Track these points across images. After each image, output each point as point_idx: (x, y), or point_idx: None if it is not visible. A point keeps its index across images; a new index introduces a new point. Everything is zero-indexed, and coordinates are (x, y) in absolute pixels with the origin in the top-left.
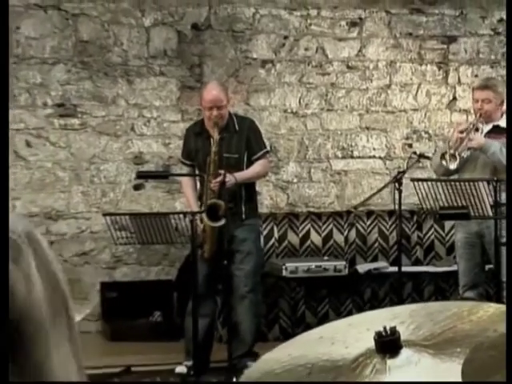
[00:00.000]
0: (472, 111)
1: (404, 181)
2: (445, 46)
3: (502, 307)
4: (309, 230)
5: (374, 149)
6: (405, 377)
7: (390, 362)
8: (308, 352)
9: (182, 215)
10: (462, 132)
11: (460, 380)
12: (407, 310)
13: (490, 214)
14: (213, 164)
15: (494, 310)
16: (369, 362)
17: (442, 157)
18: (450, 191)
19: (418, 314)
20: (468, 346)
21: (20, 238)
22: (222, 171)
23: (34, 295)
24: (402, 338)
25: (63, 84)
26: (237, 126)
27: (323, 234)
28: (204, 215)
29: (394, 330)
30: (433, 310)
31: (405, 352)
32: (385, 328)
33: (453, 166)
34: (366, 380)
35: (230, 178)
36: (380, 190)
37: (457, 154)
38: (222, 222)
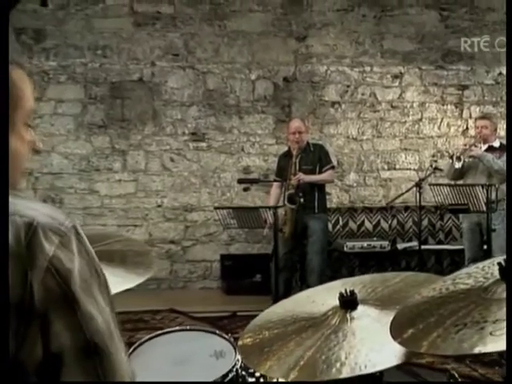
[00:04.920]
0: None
1: (426, 186)
2: (460, 92)
3: (440, 278)
4: (363, 219)
5: (410, 163)
6: (360, 324)
7: (349, 314)
8: (296, 307)
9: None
10: (465, 145)
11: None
12: (370, 277)
13: (484, 209)
14: (294, 170)
15: (432, 280)
16: (334, 314)
17: (451, 157)
18: (456, 193)
19: (377, 280)
20: (404, 304)
21: (68, 230)
22: (299, 172)
23: (76, 270)
24: (360, 297)
25: (196, 119)
26: (312, 148)
27: (373, 222)
28: (285, 200)
29: (352, 292)
30: (388, 278)
31: (360, 308)
32: (346, 290)
33: (457, 165)
34: (332, 327)
35: (303, 177)
36: (406, 192)
37: (461, 156)
38: (295, 205)
